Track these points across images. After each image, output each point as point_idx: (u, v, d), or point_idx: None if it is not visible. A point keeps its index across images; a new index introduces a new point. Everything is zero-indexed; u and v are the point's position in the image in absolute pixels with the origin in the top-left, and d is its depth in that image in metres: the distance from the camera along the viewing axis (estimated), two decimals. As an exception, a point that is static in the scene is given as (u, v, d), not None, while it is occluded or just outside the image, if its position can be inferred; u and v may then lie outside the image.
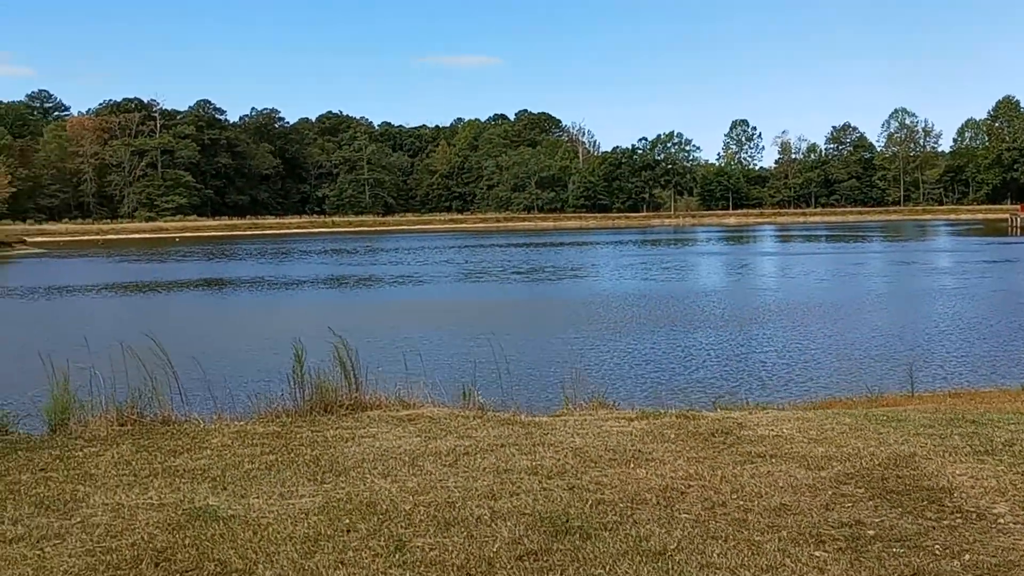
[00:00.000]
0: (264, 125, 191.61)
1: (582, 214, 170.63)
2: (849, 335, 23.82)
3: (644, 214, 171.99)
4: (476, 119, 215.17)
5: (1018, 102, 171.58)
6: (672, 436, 7.84)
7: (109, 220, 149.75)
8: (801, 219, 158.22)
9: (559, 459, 7.02)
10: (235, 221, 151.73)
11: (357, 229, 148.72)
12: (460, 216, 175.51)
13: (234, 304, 39.17)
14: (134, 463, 7.23)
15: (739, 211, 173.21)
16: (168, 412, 8.84)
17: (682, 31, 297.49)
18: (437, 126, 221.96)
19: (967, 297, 33.44)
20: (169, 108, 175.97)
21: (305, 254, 79.01)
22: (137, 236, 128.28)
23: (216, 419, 8.96)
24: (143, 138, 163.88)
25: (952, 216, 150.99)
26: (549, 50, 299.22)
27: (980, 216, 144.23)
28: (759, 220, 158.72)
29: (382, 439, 7.94)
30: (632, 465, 6.80)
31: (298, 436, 8.13)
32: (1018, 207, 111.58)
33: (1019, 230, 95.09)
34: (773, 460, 6.88)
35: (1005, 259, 55.67)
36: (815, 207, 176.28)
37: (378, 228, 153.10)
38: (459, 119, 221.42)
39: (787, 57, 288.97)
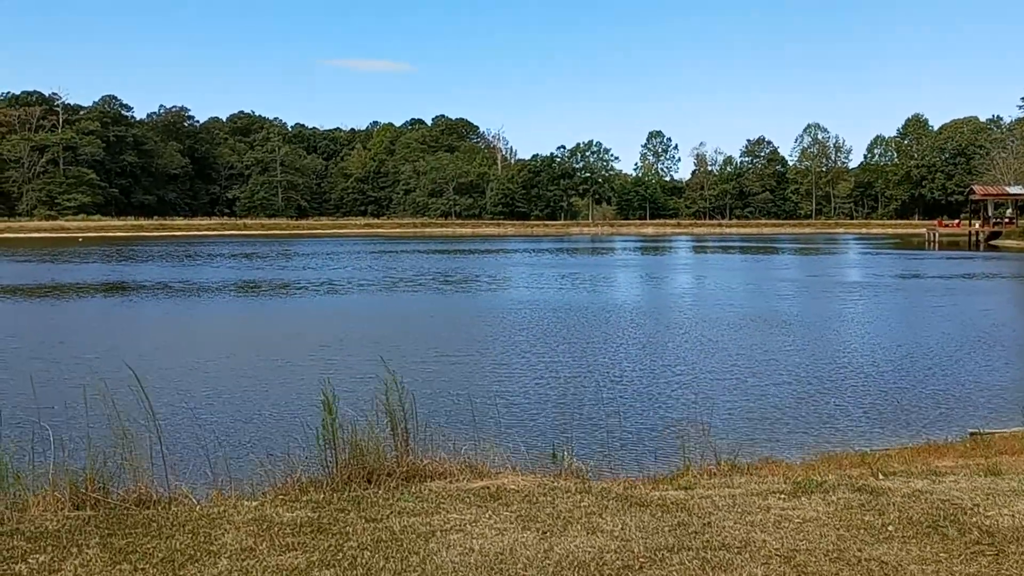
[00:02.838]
0: (173, 123, 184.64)
1: (500, 221, 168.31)
2: (836, 362, 21.44)
3: (562, 222, 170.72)
4: (391, 123, 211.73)
5: (926, 120, 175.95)
6: (885, 528, 5.53)
7: (6, 218, 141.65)
8: (717, 230, 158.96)
9: (783, 582, 4.62)
10: (141, 221, 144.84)
11: (270, 232, 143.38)
12: (376, 221, 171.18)
13: (161, 314, 35.52)
14: (115, 588, 4.58)
15: (656, 221, 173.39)
16: (144, 485, 6.06)
17: (601, 40, 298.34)
18: (352, 129, 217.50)
19: (959, 320, 30.45)
20: (72, 103, 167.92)
21: (212, 258, 74.38)
22: (37, 235, 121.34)
23: (216, 496, 6.23)
24: (44, 133, 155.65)
25: (863, 230, 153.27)
26: (466, 56, 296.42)
27: (891, 231, 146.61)
28: (676, 231, 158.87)
29: (475, 534, 5.43)
30: (905, 594, 4.46)
31: (349, 529, 5.54)
32: (935, 222, 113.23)
33: (936, 244, 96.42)
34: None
35: (959, 274, 54.26)
36: (730, 218, 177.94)
37: (292, 232, 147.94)
38: (375, 123, 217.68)
39: (704, 70, 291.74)
